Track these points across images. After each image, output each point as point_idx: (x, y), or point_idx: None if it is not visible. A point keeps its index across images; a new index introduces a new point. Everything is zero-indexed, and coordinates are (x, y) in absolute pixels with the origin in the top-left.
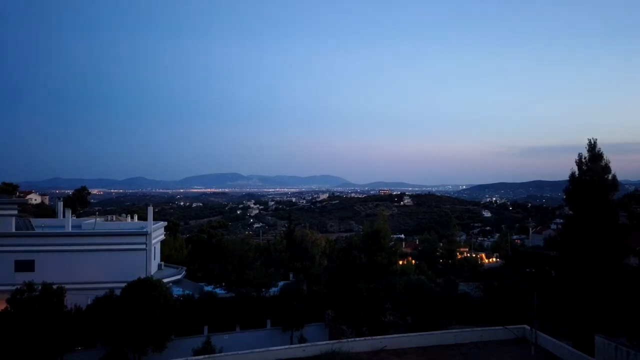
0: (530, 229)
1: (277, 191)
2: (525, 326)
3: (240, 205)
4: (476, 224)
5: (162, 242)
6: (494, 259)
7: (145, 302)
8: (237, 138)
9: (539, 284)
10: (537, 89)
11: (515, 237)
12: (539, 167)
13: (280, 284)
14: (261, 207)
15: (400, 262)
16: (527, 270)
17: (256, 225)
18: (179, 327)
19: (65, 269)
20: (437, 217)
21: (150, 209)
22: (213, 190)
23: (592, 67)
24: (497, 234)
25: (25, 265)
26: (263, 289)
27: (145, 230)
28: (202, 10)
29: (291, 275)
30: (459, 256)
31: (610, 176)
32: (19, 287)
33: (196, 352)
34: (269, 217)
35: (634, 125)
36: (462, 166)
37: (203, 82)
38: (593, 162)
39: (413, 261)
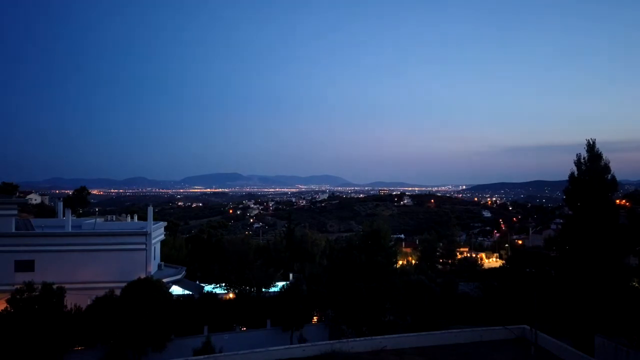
0: (530, 229)
1: (277, 191)
2: (525, 326)
3: (240, 205)
4: (476, 224)
5: (162, 242)
6: (494, 259)
7: (145, 302)
8: (238, 138)
9: (539, 284)
10: (537, 88)
11: (515, 237)
12: (539, 167)
13: (280, 284)
14: (261, 207)
15: (400, 262)
16: (527, 270)
17: (256, 225)
18: (179, 327)
19: (65, 269)
20: (437, 217)
21: (150, 209)
22: (213, 190)
23: (593, 66)
24: (497, 234)
25: (25, 265)
26: (263, 289)
27: (145, 230)
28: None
29: (291, 275)
30: (459, 256)
31: (609, 176)
32: (19, 287)
33: (196, 352)
34: (269, 217)
35: (634, 125)
36: (462, 166)
37: (203, 82)
38: (592, 162)
39: (413, 261)
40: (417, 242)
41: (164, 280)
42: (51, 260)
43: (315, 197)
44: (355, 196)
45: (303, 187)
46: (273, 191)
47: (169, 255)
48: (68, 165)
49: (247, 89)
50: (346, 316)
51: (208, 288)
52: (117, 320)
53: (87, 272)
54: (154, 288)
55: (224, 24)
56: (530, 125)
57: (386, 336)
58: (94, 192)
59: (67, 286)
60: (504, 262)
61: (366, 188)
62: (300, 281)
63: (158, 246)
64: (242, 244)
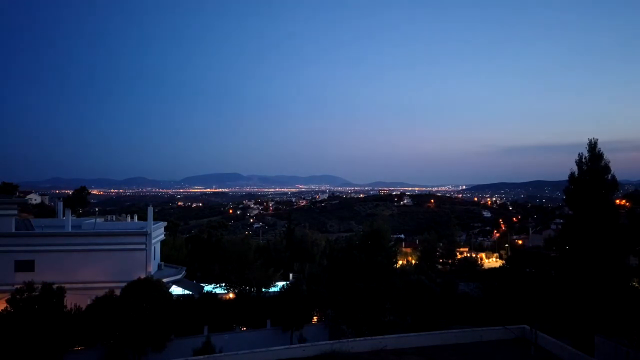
0: (530, 229)
1: (277, 191)
2: (525, 326)
3: (240, 205)
4: (476, 224)
5: (162, 242)
6: (494, 259)
7: (145, 302)
8: (238, 138)
9: (539, 284)
10: (537, 88)
11: (515, 237)
12: (539, 167)
13: (280, 284)
14: (261, 207)
15: (400, 262)
16: (527, 270)
17: (256, 225)
18: (179, 327)
19: (65, 269)
20: (437, 217)
21: (150, 209)
22: (213, 190)
23: (593, 65)
24: (497, 234)
25: (25, 265)
26: (263, 289)
27: (145, 230)
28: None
29: (291, 275)
30: (459, 256)
31: (610, 176)
32: (19, 287)
33: (196, 352)
34: (269, 217)
35: (634, 125)
36: (462, 166)
37: (203, 82)
38: (593, 162)
39: (413, 261)
40: (417, 242)
41: (164, 280)
42: (51, 260)
43: (315, 197)
44: (355, 196)
45: (303, 187)
46: (273, 191)
47: (169, 255)
48: (68, 165)
49: (246, 89)
50: (346, 316)
51: (208, 288)
52: (117, 320)
53: (87, 272)
54: (154, 288)
55: (224, 24)
56: (530, 125)
57: (386, 336)
58: (94, 192)
59: (67, 286)
60: (504, 262)
61: (366, 188)
62: (300, 281)
63: (158, 246)
64: (242, 244)
